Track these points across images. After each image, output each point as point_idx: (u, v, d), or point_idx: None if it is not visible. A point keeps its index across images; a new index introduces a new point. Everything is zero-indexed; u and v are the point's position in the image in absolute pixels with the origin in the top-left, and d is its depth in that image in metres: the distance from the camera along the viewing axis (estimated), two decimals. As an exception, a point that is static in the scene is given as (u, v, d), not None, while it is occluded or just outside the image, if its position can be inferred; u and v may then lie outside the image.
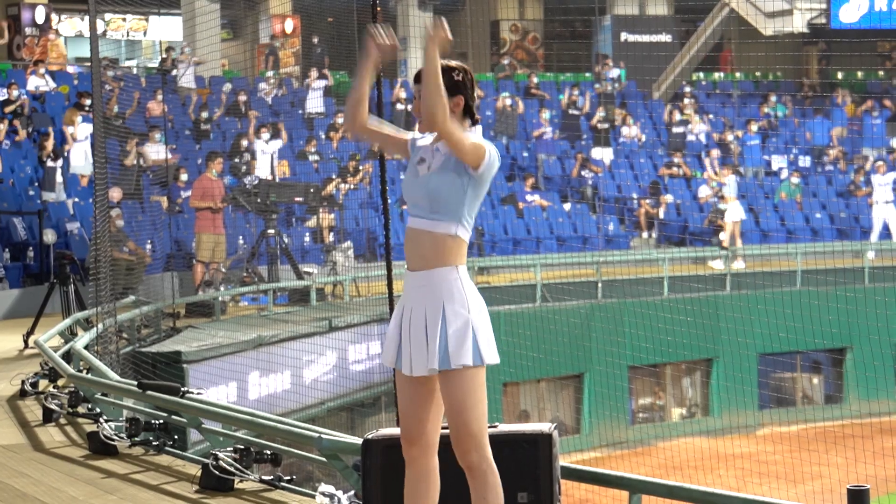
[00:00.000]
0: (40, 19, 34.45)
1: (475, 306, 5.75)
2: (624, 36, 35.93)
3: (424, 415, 5.90)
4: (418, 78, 5.85)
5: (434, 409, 5.91)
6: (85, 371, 12.73)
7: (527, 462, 6.39)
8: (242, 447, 8.92)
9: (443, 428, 5.97)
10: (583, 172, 30.00)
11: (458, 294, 5.72)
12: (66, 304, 18.09)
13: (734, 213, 27.59)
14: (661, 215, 29.23)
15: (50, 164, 24.68)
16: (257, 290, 21.17)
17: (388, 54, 5.93)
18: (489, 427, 6.46)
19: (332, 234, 24.58)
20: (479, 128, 5.93)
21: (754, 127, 31.91)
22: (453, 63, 5.89)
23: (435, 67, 5.68)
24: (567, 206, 29.24)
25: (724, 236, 27.53)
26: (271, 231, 21.46)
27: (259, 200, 21.74)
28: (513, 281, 24.46)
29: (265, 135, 25.35)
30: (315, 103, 29.88)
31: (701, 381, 25.91)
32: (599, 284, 24.55)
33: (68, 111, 26.35)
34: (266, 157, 25.26)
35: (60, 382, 13.47)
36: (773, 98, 33.66)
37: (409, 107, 30.26)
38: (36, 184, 24.91)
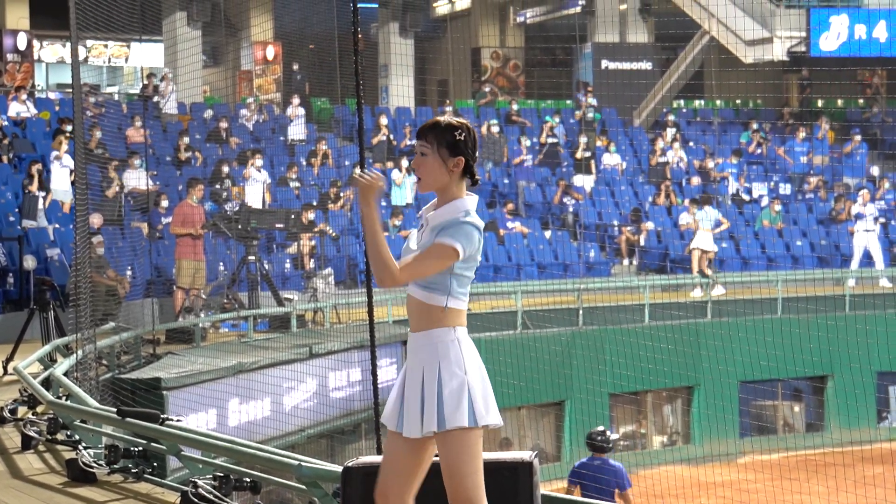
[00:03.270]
0: (22, 45, 34.45)
1: (472, 367, 5.69)
2: (604, 63, 36.06)
3: (410, 477, 5.82)
4: (420, 133, 5.75)
5: (420, 473, 5.84)
6: (64, 398, 12.66)
7: (507, 490, 6.36)
8: (222, 474, 8.89)
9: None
10: (564, 199, 30.02)
11: (454, 355, 5.66)
12: (45, 331, 18.01)
13: (701, 241, 27.46)
14: (642, 242, 29.24)
15: (32, 192, 24.59)
16: (238, 316, 21.11)
17: (381, 185, 5.71)
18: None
19: (312, 260, 24.56)
20: (472, 199, 5.74)
21: (735, 159, 32.02)
22: (455, 121, 5.75)
23: (370, 231, 5.58)
24: (548, 233, 29.23)
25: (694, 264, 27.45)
26: (252, 257, 21.43)
27: (240, 227, 21.72)
28: (493, 308, 24.40)
29: (258, 161, 25.35)
30: (296, 130, 29.90)
31: (682, 408, 25.88)
32: (580, 311, 24.53)
33: (57, 138, 26.26)
34: (258, 185, 25.28)
35: (39, 409, 13.40)
36: (754, 125, 33.76)
37: (392, 136, 30.31)
38: (17, 210, 24.82)
